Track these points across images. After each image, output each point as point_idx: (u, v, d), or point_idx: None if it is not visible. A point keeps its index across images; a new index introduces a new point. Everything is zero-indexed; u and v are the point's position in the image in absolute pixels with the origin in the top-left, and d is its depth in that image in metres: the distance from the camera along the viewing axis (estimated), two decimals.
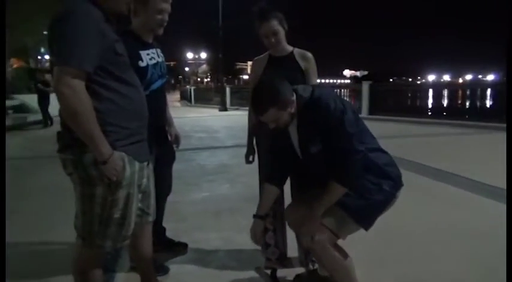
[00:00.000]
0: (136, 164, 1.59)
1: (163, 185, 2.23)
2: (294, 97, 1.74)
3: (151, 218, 1.83)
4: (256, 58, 2.45)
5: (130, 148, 1.55)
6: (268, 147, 2.14)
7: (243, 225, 3.05)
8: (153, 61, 2.12)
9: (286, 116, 1.73)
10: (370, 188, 1.75)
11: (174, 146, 2.44)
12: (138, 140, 1.61)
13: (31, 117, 11.94)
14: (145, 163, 1.70)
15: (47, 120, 11.28)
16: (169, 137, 2.43)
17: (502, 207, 3.38)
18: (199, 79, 78.83)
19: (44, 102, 11.24)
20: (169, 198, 2.51)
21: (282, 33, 2.24)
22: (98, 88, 1.44)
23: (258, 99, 1.72)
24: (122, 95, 1.51)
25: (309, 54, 2.33)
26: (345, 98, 12.57)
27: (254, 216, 1.96)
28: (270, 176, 1.98)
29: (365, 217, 1.76)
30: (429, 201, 3.68)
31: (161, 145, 2.23)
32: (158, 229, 2.41)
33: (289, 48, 2.33)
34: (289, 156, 1.92)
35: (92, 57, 1.38)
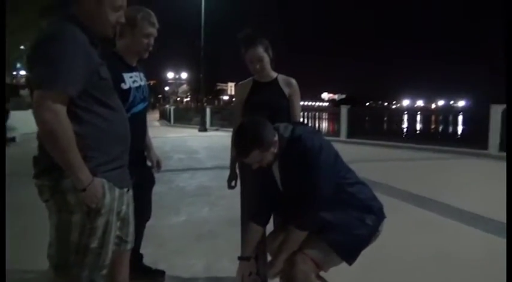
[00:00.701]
0: (117, 191, 1.53)
1: (142, 211, 2.16)
2: (276, 137, 1.75)
3: (129, 246, 1.76)
4: (240, 83, 2.46)
5: (112, 174, 1.50)
6: (252, 179, 2.14)
7: (223, 250, 2.99)
8: (136, 84, 2.10)
9: (270, 156, 1.74)
10: (354, 223, 1.76)
11: (154, 169, 2.39)
12: (120, 166, 1.56)
13: None
14: (125, 189, 1.64)
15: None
16: (148, 162, 2.38)
17: (480, 234, 3.46)
18: (179, 99, 78.66)
19: None
20: (148, 222, 2.43)
21: (267, 59, 2.27)
22: (80, 112, 1.40)
23: (241, 142, 1.73)
24: (104, 119, 1.47)
25: (293, 81, 2.36)
26: (324, 121, 12.66)
27: (239, 258, 1.91)
28: (256, 215, 1.95)
29: (349, 252, 1.76)
30: (411, 227, 3.70)
31: (140, 170, 2.18)
32: (135, 256, 2.32)
33: (274, 74, 2.36)
34: (274, 193, 1.91)
35: (77, 81, 1.34)
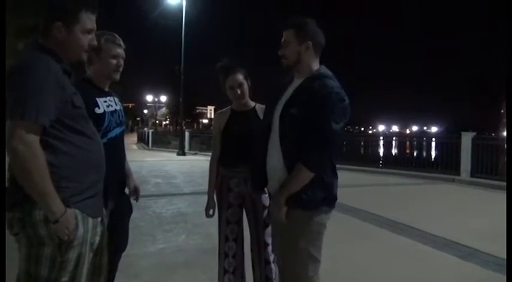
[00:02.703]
0: (90, 221, 1.50)
1: (119, 241, 2.10)
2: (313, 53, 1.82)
3: (103, 279, 1.71)
4: (218, 111, 2.50)
5: (85, 203, 1.47)
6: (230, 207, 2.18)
7: (200, 281, 2.92)
8: (111, 108, 2.08)
9: (296, 48, 1.79)
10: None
11: (132, 198, 2.34)
12: (93, 194, 1.53)
13: None
14: (99, 219, 1.61)
15: None
16: (126, 189, 2.33)
17: (454, 260, 3.51)
18: (157, 122, 78.05)
19: None
20: None
21: (246, 86, 2.34)
22: (54, 141, 1.38)
23: (291, 17, 1.82)
24: (79, 148, 1.46)
25: None
26: None
27: None
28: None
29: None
30: (385, 253, 3.73)
31: (118, 198, 2.13)
32: None
33: (251, 103, 2.41)
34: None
35: (49, 110, 1.33)
